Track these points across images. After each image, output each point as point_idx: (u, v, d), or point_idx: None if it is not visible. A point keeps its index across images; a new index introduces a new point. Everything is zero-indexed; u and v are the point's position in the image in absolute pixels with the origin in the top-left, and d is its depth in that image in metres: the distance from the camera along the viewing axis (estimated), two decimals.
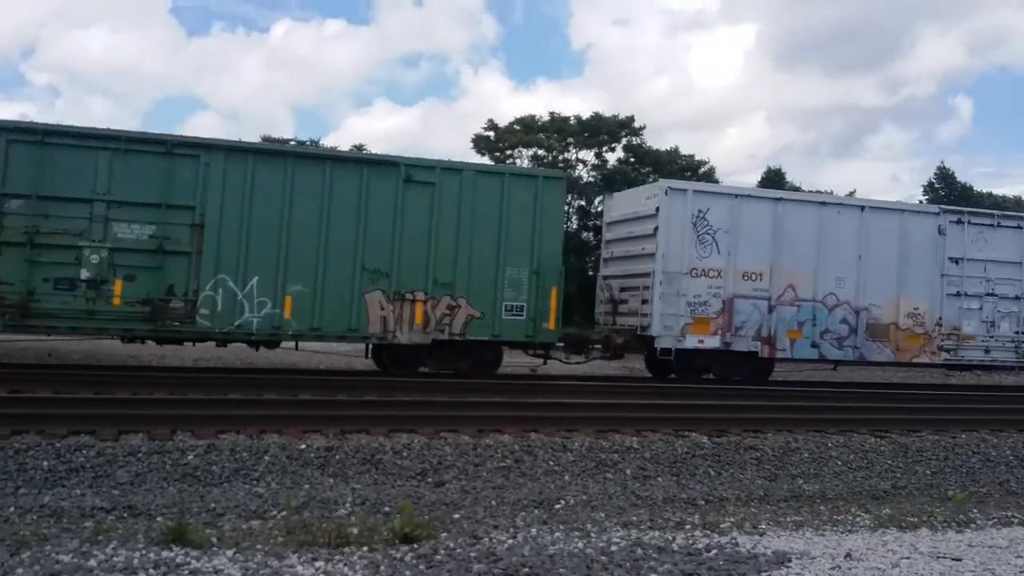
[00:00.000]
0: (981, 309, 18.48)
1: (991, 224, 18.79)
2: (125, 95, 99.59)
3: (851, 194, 46.59)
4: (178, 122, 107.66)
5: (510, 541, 6.31)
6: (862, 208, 18.18)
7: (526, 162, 44.83)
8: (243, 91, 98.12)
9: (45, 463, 8.06)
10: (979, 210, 21.63)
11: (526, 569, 5.47)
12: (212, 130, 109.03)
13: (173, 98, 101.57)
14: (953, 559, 6.35)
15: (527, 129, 45.93)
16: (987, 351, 18.58)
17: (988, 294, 18.49)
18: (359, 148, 45.19)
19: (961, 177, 50.92)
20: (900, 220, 18.14)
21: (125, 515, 7.04)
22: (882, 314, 17.91)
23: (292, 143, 44.20)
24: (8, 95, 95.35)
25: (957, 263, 18.35)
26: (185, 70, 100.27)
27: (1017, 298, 18.71)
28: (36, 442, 8.38)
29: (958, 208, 19.93)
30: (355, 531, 6.19)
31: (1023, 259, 18.78)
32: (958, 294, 18.34)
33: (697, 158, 48.59)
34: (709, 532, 6.99)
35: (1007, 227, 18.93)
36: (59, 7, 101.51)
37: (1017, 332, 18.74)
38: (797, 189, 46.83)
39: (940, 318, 18.27)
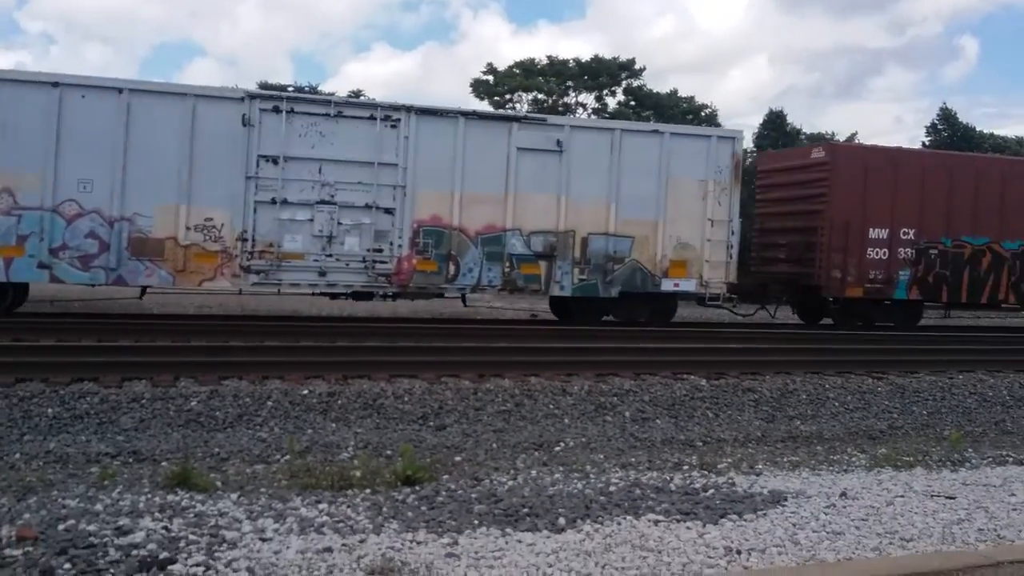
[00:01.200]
0: (312, 221, 14.75)
1: (328, 114, 14.91)
2: (122, 41, 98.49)
3: (852, 137, 46.31)
4: (176, 69, 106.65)
5: (510, 482, 6.41)
6: (120, 91, 14.07)
7: (525, 106, 44.43)
8: (241, 37, 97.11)
9: (50, 410, 8.14)
10: (309, 95, 19.61)
11: (526, 509, 5.56)
12: (209, 76, 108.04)
13: (171, 44, 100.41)
14: (947, 497, 6.45)
15: (526, 73, 45.43)
16: (323, 273, 14.88)
17: (323, 202, 14.77)
18: (357, 94, 44.77)
19: (964, 118, 50.48)
20: (185, 107, 14.22)
21: (130, 460, 7.14)
22: (153, 226, 14.16)
23: (290, 88, 43.81)
24: (3, 44, 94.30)
25: (275, 162, 14.56)
26: (182, 16, 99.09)
27: (369, 207, 14.98)
28: (40, 389, 8.45)
29: (275, 93, 16.68)
30: (358, 474, 6.28)
31: (378, 159, 15.02)
32: (275, 201, 14.55)
33: (699, 101, 48.09)
34: (706, 472, 7.08)
35: (355, 118, 15.08)
36: None
37: (370, 250, 15.07)
38: (798, 131, 46.52)
39: (246, 231, 14.51)
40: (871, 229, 17.83)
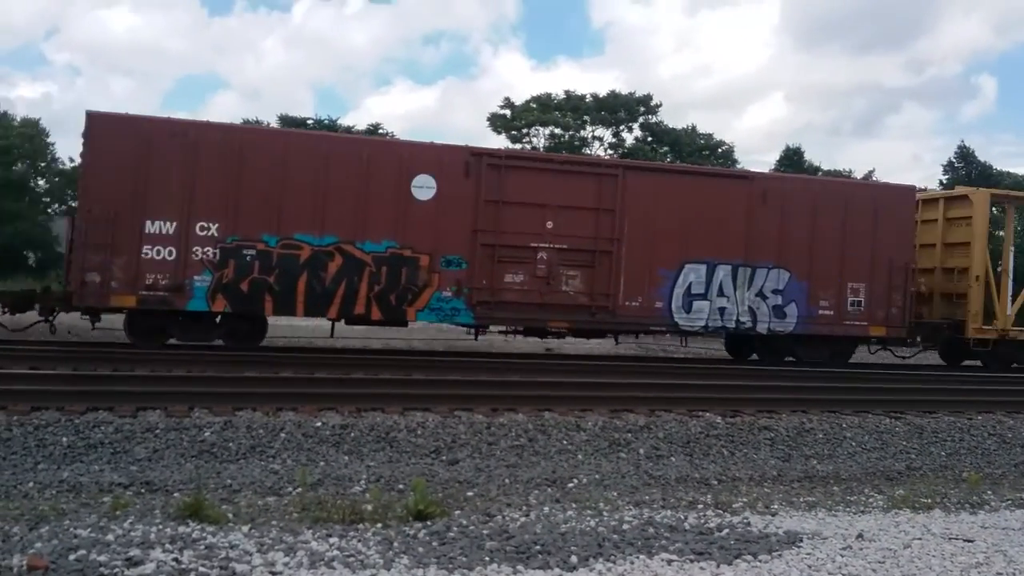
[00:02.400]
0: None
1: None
2: (147, 74, 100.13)
3: (870, 174, 46.23)
4: (200, 102, 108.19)
5: (523, 519, 6.36)
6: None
7: (542, 140, 44.72)
8: (264, 70, 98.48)
9: (64, 439, 8.16)
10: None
11: (538, 546, 5.51)
12: (232, 109, 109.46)
13: (195, 77, 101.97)
14: (965, 540, 6.35)
15: (543, 108, 45.77)
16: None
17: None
18: (375, 128, 45.18)
19: (982, 156, 50.42)
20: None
21: (143, 491, 7.13)
22: None
23: (310, 122, 44.31)
24: (30, 74, 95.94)
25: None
26: (207, 49, 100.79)
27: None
28: (55, 418, 8.49)
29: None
30: (369, 508, 6.25)
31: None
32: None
33: (717, 138, 48.25)
34: (721, 512, 7.01)
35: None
36: None
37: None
38: (816, 169, 46.52)
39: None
40: (150, 222, 13.92)
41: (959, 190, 20.30)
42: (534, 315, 15.59)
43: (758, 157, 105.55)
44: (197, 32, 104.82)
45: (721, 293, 16.29)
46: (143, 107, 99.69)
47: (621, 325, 16.46)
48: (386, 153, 15.29)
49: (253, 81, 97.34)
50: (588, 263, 15.67)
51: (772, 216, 16.55)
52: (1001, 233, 21.88)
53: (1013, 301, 18.56)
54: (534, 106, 45.72)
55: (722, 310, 16.30)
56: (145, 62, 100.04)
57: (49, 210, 43.38)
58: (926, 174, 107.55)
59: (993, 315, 18.15)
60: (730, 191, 16.51)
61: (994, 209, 21.41)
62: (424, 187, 14.99)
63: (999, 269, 18.99)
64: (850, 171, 47.10)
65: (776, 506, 7.39)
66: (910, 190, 18.22)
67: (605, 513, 6.72)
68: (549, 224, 15.42)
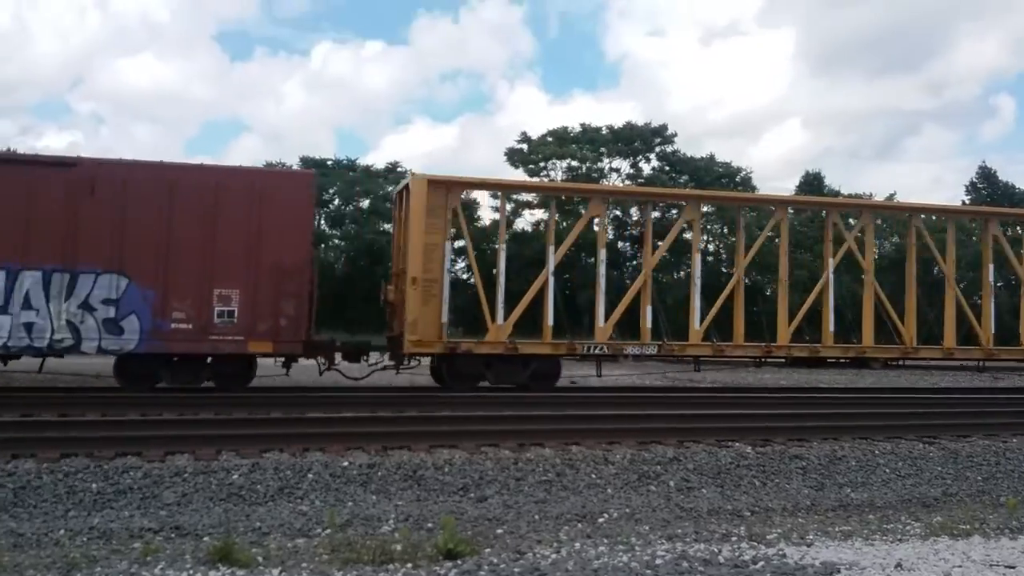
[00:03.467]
0: None
1: None
2: (171, 121, 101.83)
3: (891, 197, 45.99)
4: (222, 146, 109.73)
5: (554, 556, 6.29)
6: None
7: (560, 174, 44.88)
8: (285, 113, 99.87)
9: (94, 485, 8.19)
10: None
11: None
12: (255, 152, 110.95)
13: (217, 122, 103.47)
14: (1007, 567, 6.21)
15: (560, 141, 46.00)
16: None
17: None
18: (394, 166, 45.60)
19: (1003, 176, 50.05)
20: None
21: (173, 535, 7.12)
22: None
23: (330, 163, 44.80)
24: (55, 123, 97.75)
25: None
26: (230, 95, 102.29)
27: None
28: (85, 464, 8.53)
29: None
30: (399, 548, 6.21)
31: None
32: None
33: (735, 165, 48.23)
34: (755, 543, 6.90)
35: None
36: (107, 38, 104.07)
37: None
38: (837, 193, 46.34)
39: None
40: None
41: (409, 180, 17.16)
42: None
43: (778, 184, 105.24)
44: (219, 78, 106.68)
45: (28, 305, 13.51)
46: (167, 153, 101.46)
47: None
48: None
49: (275, 124, 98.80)
50: None
51: (104, 210, 13.86)
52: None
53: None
54: (551, 140, 45.96)
55: (30, 326, 13.52)
56: (169, 109, 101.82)
57: None
58: (950, 195, 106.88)
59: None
60: (44, 180, 13.79)
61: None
62: None
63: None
64: (871, 194, 46.84)
65: (811, 536, 7.27)
66: (306, 177, 16.43)
67: (637, 548, 6.63)
68: None
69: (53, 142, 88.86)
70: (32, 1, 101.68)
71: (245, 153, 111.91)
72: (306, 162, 44.49)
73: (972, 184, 50.06)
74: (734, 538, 7.18)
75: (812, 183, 47.35)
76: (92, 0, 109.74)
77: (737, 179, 46.85)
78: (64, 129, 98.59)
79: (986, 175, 49.37)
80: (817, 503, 9.21)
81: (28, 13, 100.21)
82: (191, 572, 5.52)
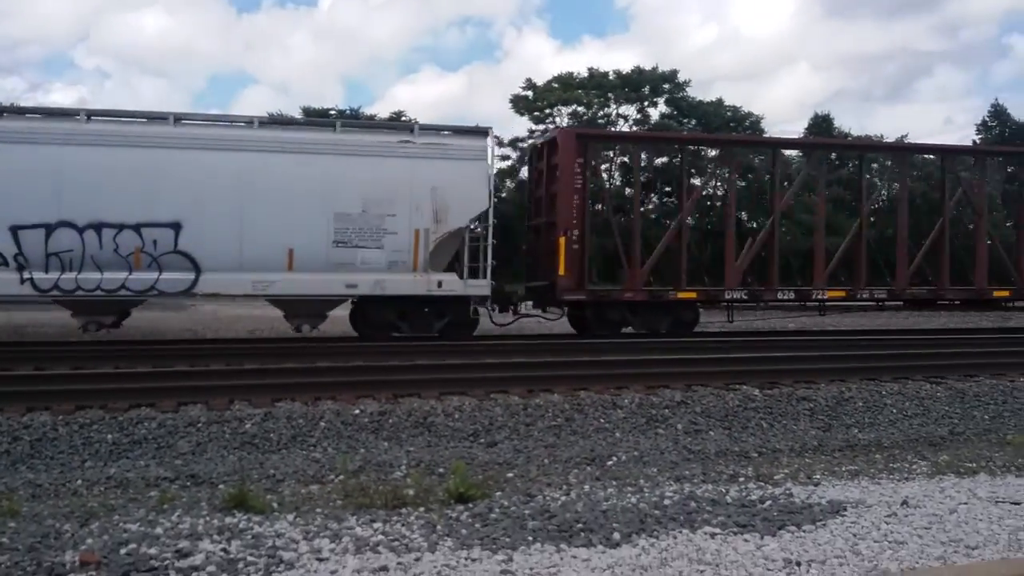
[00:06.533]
0: None
1: None
2: (177, 75, 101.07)
3: (902, 138, 45.50)
4: (230, 98, 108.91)
5: (563, 498, 6.37)
6: None
7: (565, 120, 44.46)
8: (292, 65, 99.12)
9: (109, 436, 8.30)
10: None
11: (580, 524, 5.52)
12: (262, 104, 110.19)
13: (225, 75, 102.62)
14: (1012, 503, 6.27)
15: (565, 87, 45.38)
16: None
17: None
18: (399, 115, 45.23)
19: (1016, 115, 49.37)
20: None
21: (188, 484, 7.24)
22: None
23: (333, 113, 44.38)
24: (60, 79, 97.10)
25: None
26: (236, 47, 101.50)
27: None
28: (100, 416, 8.64)
29: None
30: (411, 492, 6.30)
31: None
32: None
33: (745, 109, 47.57)
34: (763, 484, 6.98)
35: None
36: None
37: None
38: (846, 134, 45.87)
39: None
40: None
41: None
42: None
43: (787, 126, 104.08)
44: (226, 31, 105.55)
45: None
46: (174, 106, 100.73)
47: None
48: None
49: (282, 76, 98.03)
50: None
51: None
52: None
53: None
54: (556, 86, 45.40)
55: None
56: (176, 63, 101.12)
57: None
58: (960, 135, 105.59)
59: None
60: None
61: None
62: None
63: None
64: (881, 135, 46.33)
65: (818, 476, 7.34)
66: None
67: (646, 489, 6.71)
68: None
69: (59, 97, 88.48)
70: None
71: (252, 105, 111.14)
72: (308, 112, 44.11)
73: (984, 123, 49.52)
74: (741, 479, 7.26)
75: (821, 125, 46.80)
76: None
77: (746, 124, 46.34)
78: (70, 85, 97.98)
79: (998, 113, 48.76)
80: (824, 444, 9.28)
81: None
82: (207, 519, 5.61)
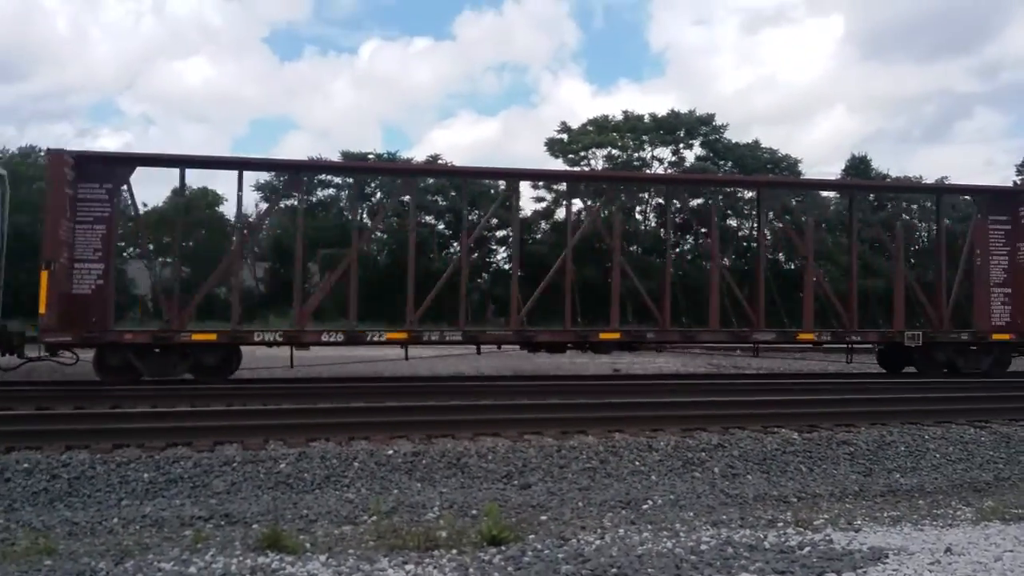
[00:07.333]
0: None
1: None
2: (220, 121, 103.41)
3: (942, 180, 45.10)
4: (272, 143, 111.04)
5: (598, 542, 6.29)
6: None
7: (600, 163, 44.65)
8: (333, 110, 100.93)
9: (145, 475, 8.36)
10: None
11: (614, 570, 5.44)
12: (303, 148, 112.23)
13: (267, 120, 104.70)
14: None
15: (600, 129, 45.63)
16: None
17: None
18: (435, 159, 45.69)
19: None
20: None
21: (222, 523, 7.25)
22: None
23: (371, 156, 44.98)
24: (107, 125, 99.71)
25: None
26: (277, 93, 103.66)
27: None
28: (136, 455, 8.71)
29: None
30: (443, 534, 6.25)
31: None
32: None
33: (781, 152, 47.47)
34: (802, 529, 6.84)
35: None
36: (161, 42, 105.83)
37: None
38: (885, 176, 45.53)
39: None
40: None
41: None
42: None
43: (824, 168, 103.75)
44: (269, 78, 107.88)
45: None
46: (213, 150, 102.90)
47: None
48: None
49: (323, 121, 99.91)
50: None
51: None
52: None
53: None
54: (591, 129, 45.68)
55: None
56: (218, 109, 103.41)
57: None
58: (1001, 176, 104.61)
59: None
60: None
61: None
62: None
63: None
64: (920, 177, 45.95)
65: (859, 522, 7.18)
66: None
67: (682, 534, 6.60)
68: None
69: (107, 143, 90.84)
70: (91, 5, 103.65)
71: (293, 149, 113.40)
72: (347, 156, 44.76)
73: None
74: (780, 524, 7.12)
75: (858, 167, 46.53)
76: (149, 4, 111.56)
77: (783, 166, 46.20)
78: (116, 131, 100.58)
79: None
80: (865, 489, 9.09)
81: (86, 17, 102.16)
82: (241, 558, 5.62)
